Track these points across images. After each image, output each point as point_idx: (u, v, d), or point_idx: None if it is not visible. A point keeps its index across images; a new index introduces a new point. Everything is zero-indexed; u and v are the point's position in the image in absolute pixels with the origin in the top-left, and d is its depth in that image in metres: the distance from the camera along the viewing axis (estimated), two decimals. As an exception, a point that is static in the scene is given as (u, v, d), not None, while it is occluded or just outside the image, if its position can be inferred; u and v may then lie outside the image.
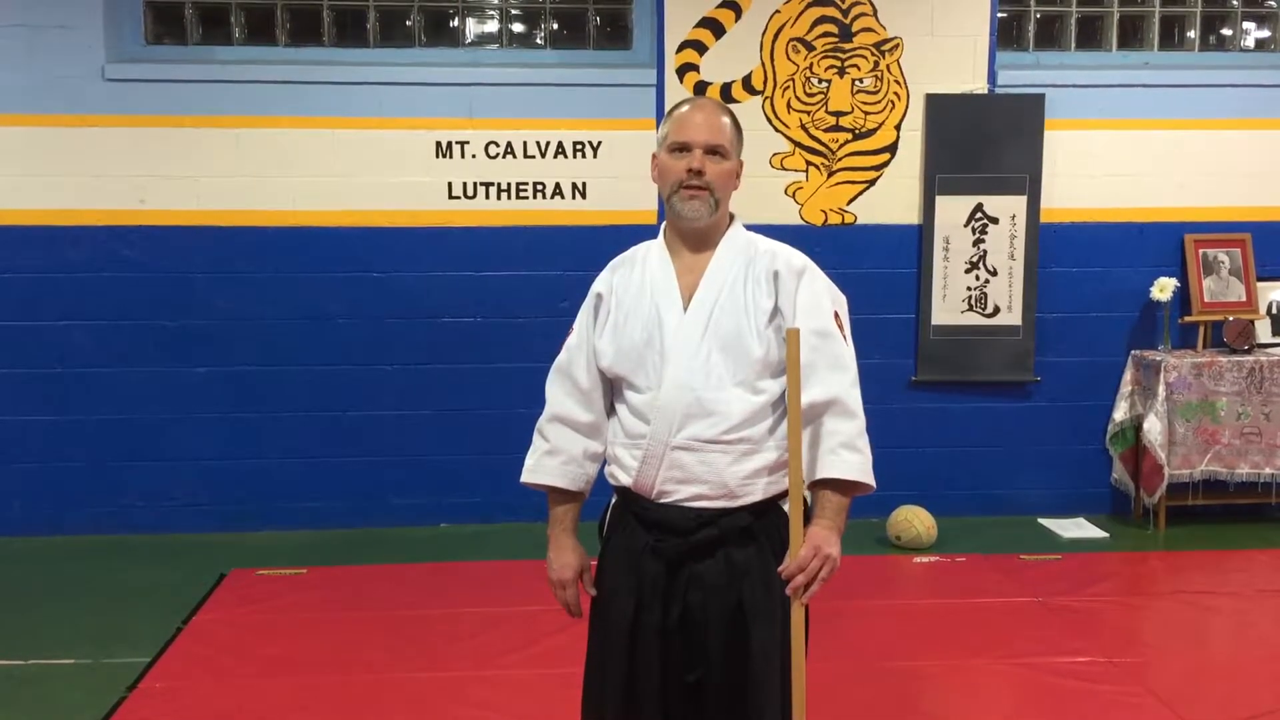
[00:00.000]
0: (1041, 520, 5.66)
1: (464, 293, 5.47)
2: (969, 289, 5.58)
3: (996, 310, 5.59)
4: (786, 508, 2.21)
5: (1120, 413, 5.60)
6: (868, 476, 2.22)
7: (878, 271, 5.53)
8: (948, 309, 5.58)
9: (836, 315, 2.28)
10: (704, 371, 2.24)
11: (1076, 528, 5.55)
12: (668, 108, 2.38)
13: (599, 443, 2.41)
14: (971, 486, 5.73)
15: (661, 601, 2.28)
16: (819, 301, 2.26)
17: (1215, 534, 5.45)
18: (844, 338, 2.28)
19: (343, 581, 4.75)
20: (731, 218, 2.38)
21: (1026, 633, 4.17)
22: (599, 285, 2.41)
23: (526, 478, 2.45)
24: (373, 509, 5.56)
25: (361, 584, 4.72)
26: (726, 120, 2.31)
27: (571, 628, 4.14)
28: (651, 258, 2.37)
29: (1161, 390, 5.33)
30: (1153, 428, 5.36)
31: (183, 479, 5.46)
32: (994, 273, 5.56)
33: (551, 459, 2.42)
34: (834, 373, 2.22)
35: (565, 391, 2.42)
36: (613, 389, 2.40)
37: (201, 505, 5.48)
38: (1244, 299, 5.61)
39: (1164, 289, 5.47)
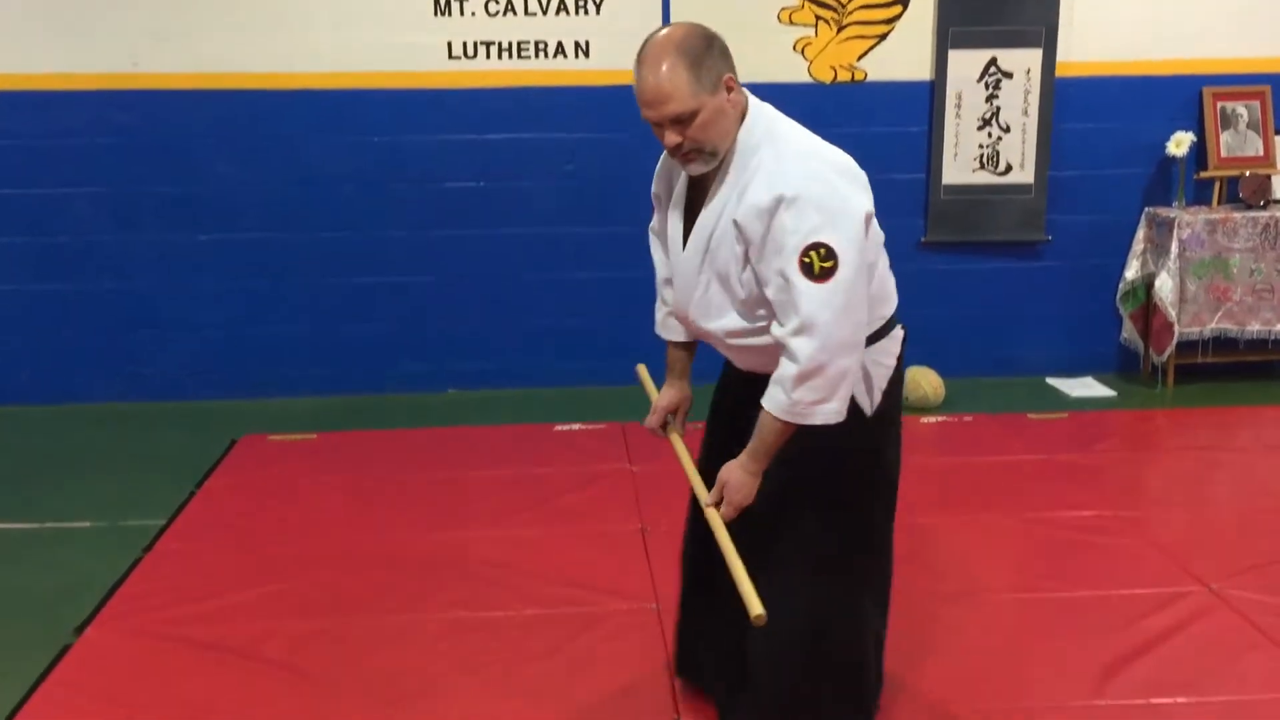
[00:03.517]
0: (1049, 380, 5.66)
1: (467, 156, 5.38)
2: (981, 147, 5.47)
3: (1009, 168, 5.49)
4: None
5: (1132, 271, 5.55)
6: (788, 416, 2.15)
7: (888, 130, 5.41)
8: (959, 168, 5.49)
9: (809, 251, 2.08)
10: (704, 302, 2.33)
11: (1084, 387, 5.55)
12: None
13: None
14: (980, 347, 5.71)
15: (734, 400, 2.51)
16: (784, 241, 2.09)
17: (1223, 391, 5.44)
18: (811, 277, 2.08)
19: (353, 446, 4.79)
20: (745, 112, 2.22)
21: (1032, 488, 4.20)
22: (656, 182, 2.48)
23: (656, 330, 2.66)
24: (381, 375, 5.58)
25: (371, 449, 4.75)
26: (676, 74, 2.07)
27: (581, 489, 4.20)
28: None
29: (1174, 247, 5.26)
30: (1164, 285, 5.32)
31: (190, 347, 5.46)
32: (1007, 129, 5.44)
33: (671, 318, 2.58)
34: (787, 316, 2.13)
35: (660, 260, 2.54)
36: None
37: (210, 372, 5.50)
38: (1261, 153, 5.49)
39: (1180, 144, 5.36)
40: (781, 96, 2.34)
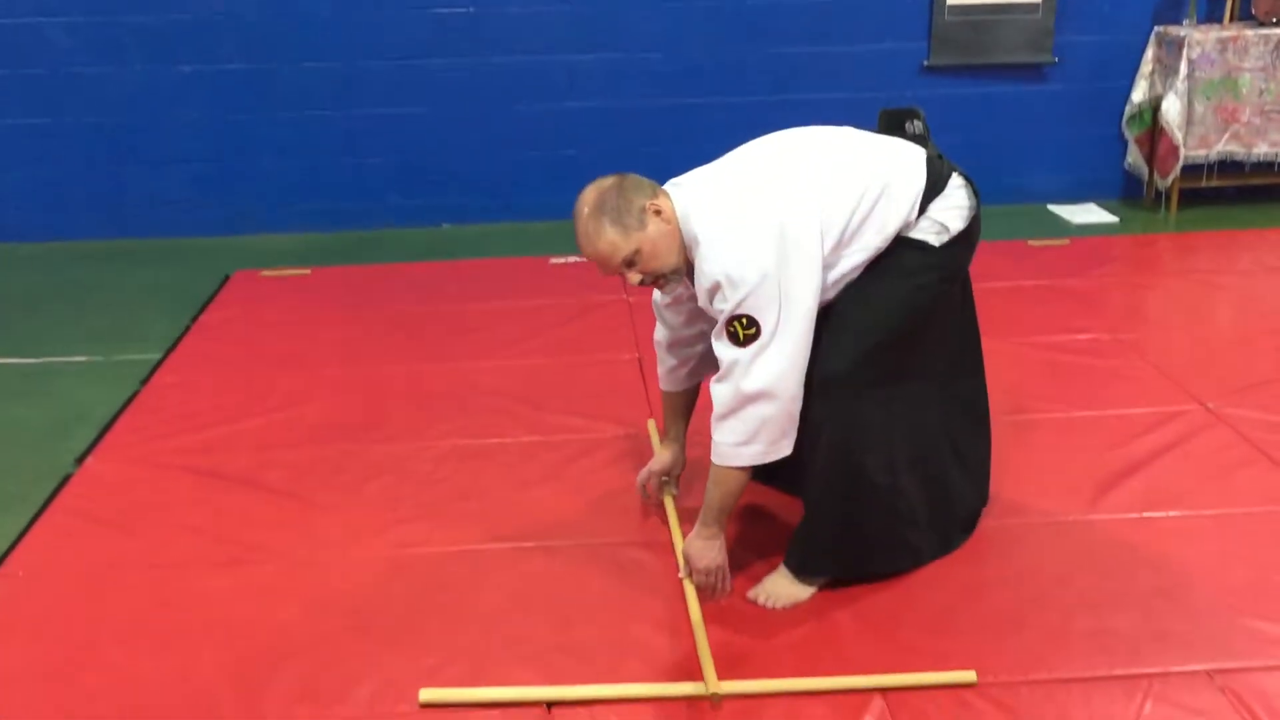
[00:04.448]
0: (1051, 207, 5.59)
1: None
2: (987, -38, 5.28)
3: (1015, -14, 5.31)
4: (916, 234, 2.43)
5: (1139, 93, 5.41)
6: (716, 459, 2.36)
7: (891, -53, 5.22)
8: (964, -14, 5.30)
9: (733, 322, 2.28)
10: None
11: (1086, 213, 5.47)
12: None
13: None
14: (981, 174, 5.46)
15: None
16: (718, 318, 2.33)
17: (1227, 215, 5.37)
18: (737, 344, 2.28)
19: (347, 281, 4.75)
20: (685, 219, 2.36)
21: (1033, 313, 4.19)
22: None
23: (661, 386, 2.82)
24: (373, 210, 5.50)
25: (366, 283, 4.71)
26: (605, 234, 2.30)
27: (578, 321, 4.19)
28: None
29: (1183, 67, 5.12)
30: (1171, 107, 5.19)
31: (178, 182, 5.37)
32: (1014, -56, 5.25)
33: (674, 372, 2.77)
34: (717, 369, 2.38)
35: (662, 324, 2.72)
36: None
37: (199, 208, 5.41)
38: (1278, -33, 5.30)
39: (1194, -43, 5.17)
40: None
